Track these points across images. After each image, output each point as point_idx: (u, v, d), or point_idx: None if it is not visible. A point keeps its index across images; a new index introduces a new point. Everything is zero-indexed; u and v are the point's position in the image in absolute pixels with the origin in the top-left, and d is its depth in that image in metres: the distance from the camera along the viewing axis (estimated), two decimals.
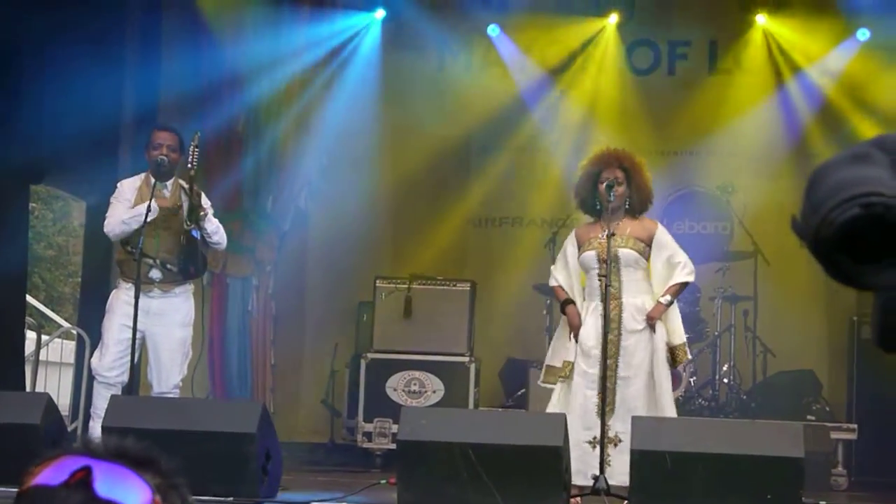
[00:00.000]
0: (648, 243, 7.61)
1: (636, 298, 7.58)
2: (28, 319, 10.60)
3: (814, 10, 11.40)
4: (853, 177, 1.87)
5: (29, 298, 12.39)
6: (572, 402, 7.45)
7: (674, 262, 7.62)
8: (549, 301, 10.79)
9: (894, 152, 1.94)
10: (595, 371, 7.41)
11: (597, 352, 7.41)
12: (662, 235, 7.69)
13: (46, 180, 10.58)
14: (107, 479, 1.59)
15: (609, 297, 7.41)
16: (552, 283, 7.79)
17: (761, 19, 11.67)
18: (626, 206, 7.62)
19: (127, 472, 1.62)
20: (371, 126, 11.61)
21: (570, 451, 6.88)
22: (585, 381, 7.44)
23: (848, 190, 1.84)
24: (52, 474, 1.60)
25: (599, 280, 7.49)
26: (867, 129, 10.87)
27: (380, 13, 11.83)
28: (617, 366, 7.47)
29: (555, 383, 7.58)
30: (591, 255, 7.58)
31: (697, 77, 11.98)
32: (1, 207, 9.13)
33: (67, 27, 9.27)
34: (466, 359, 10.28)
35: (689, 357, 8.06)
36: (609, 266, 7.44)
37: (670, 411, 7.47)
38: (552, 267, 7.89)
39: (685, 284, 7.69)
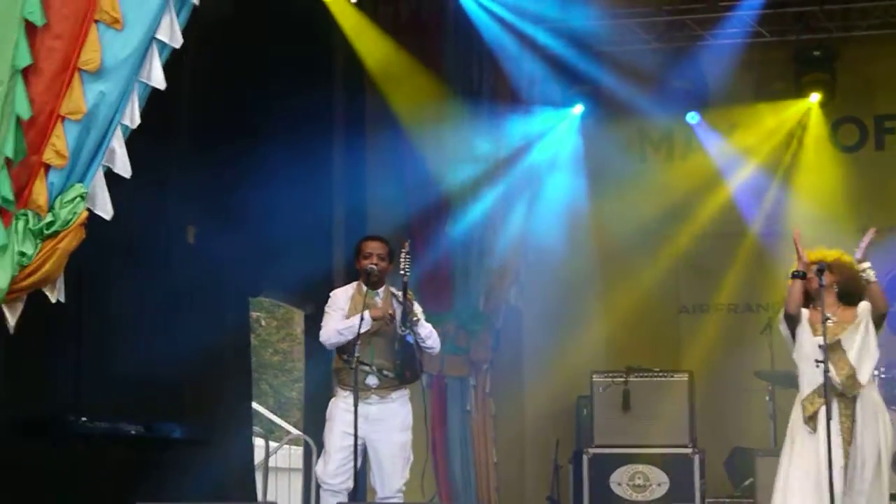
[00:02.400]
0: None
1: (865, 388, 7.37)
2: (256, 428, 10.86)
3: None
4: None
5: (257, 406, 12.72)
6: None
7: None
8: (770, 387, 10.62)
9: None
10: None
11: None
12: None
13: (264, 293, 10.89)
14: None
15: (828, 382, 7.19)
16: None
17: None
18: (836, 291, 7.43)
19: None
20: (576, 220, 11.65)
21: None
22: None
23: None
24: None
25: (817, 365, 7.27)
26: None
27: (578, 108, 11.92)
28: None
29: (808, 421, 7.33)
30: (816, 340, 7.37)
31: None
32: (224, 320, 9.42)
33: (280, 148, 9.59)
34: (690, 450, 10.16)
35: None
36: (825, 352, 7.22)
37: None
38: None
39: (881, 297, 7.37)
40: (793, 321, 7.48)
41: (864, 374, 7.32)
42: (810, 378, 7.32)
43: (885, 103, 11.87)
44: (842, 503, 7.11)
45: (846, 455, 7.21)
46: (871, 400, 7.38)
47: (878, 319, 7.40)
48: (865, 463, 7.22)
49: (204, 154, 9.06)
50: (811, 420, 7.28)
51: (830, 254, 7.55)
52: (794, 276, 7.41)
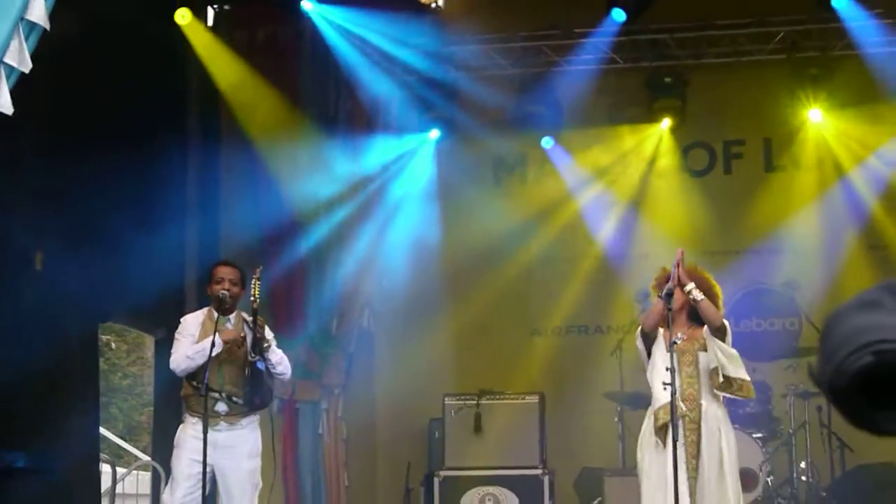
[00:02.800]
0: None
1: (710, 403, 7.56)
2: (103, 454, 10.69)
3: (868, 102, 11.40)
4: (865, 324, 1.89)
5: (105, 431, 12.51)
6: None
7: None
8: (619, 408, 10.76)
9: None
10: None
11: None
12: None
13: (114, 318, 10.74)
14: None
15: (675, 404, 7.36)
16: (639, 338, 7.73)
17: (815, 115, 11.69)
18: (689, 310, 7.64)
19: None
20: (429, 243, 11.70)
21: None
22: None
23: (860, 337, 1.86)
24: None
25: (664, 388, 7.44)
26: None
27: (434, 133, 11.98)
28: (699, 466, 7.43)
29: (658, 433, 7.46)
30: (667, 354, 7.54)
31: (754, 175, 12.00)
32: (70, 347, 9.26)
33: (132, 171, 9.47)
34: (540, 471, 10.23)
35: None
36: (673, 375, 7.40)
37: None
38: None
39: (715, 311, 7.52)
40: (649, 339, 7.64)
41: (743, 374, 7.52)
42: (664, 393, 7.48)
43: (732, 129, 12.14)
44: None
45: (695, 469, 7.39)
46: (714, 416, 7.56)
47: (717, 335, 7.57)
48: (709, 478, 7.41)
49: (53, 179, 8.92)
50: (661, 430, 7.44)
51: (687, 266, 7.74)
52: (661, 296, 7.54)
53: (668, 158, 12.10)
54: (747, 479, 9.89)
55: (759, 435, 10.54)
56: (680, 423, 7.39)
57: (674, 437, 7.32)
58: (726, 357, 7.54)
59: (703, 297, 7.52)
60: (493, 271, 11.74)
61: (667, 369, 7.42)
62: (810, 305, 11.12)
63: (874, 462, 10.61)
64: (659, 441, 7.45)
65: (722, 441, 7.52)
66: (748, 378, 7.59)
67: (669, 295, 7.48)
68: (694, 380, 7.51)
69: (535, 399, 10.59)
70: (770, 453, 10.55)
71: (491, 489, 10.21)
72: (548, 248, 12.01)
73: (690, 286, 7.52)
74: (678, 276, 7.52)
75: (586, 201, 12.02)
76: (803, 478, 10.60)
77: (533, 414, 10.52)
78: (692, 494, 7.35)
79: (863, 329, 1.88)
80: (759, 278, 11.73)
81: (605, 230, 12.00)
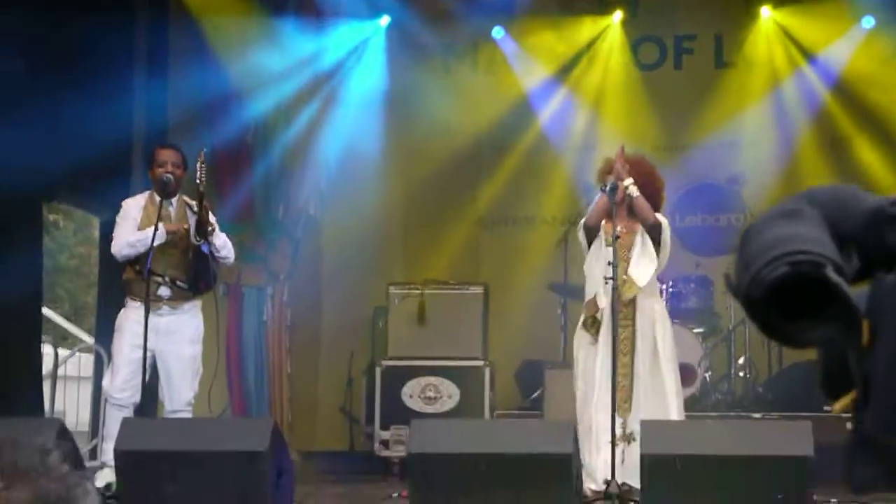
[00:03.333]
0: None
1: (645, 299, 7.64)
2: (46, 336, 10.67)
3: (819, 1, 11.38)
4: (782, 234, 1.90)
5: (49, 312, 12.48)
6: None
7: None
8: (563, 300, 10.82)
9: (825, 207, 1.96)
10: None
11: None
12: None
13: (59, 198, 10.66)
14: None
15: (617, 296, 7.43)
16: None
17: (766, 12, 11.67)
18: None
19: None
20: (379, 131, 11.65)
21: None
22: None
23: (777, 248, 1.87)
24: None
25: (606, 282, 7.50)
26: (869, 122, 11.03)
27: (384, 20, 11.87)
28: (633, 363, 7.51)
29: (587, 325, 7.54)
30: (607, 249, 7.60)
31: (704, 71, 11.98)
32: (13, 225, 9.19)
33: (77, 48, 9.33)
34: (481, 363, 10.29)
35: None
36: (615, 269, 7.45)
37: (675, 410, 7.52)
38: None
39: (649, 210, 7.63)
40: (591, 233, 7.69)
41: (642, 276, 7.57)
42: (594, 286, 7.55)
43: (684, 23, 12.07)
44: (627, 410, 7.39)
45: (628, 365, 7.47)
46: (649, 309, 7.64)
47: (651, 232, 7.62)
48: (643, 373, 7.52)
49: None
50: (590, 325, 7.52)
51: (631, 157, 7.77)
52: (605, 190, 7.57)
53: (618, 52, 12.03)
54: (686, 374, 10.00)
55: (700, 330, 10.65)
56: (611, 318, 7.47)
57: (613, 332, 7.40)
58: (637, 255, 7.60)
59: (638, 193, 7.56)
60: (441, 160, 11.67)
61: (608, 263, 7.49)
62: (756, 201, 11.15)
63: (810, 360, 10.73)
64: (591, 336, 7.53)
65: (657, 336, 7.59)
66: (639, 280, 7.60)
67: (613, 189, 7.52)
68: (623, 268, 7.55)
69: (479, 290, 10.60)
70: (709, 349, 10.68)
71: (432, 379, 10.26)
72: (495, 138, 11.95)
73: (628, 182, 7.57)
74: (618, 171, 7.56)
75: (535, 92, 11.97)
76: (741, 374, 10.75)
77: (477, 305, 10.53)
78: (623, 390, 7.43)
79: (780, 240, 1.88)
80: (705, 174, 11.77)
81: (553, 122, 11.96)
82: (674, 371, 7.66)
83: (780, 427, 7.21)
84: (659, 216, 7.73)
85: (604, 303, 7.54)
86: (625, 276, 7.55)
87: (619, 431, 7.32)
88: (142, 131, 10.59)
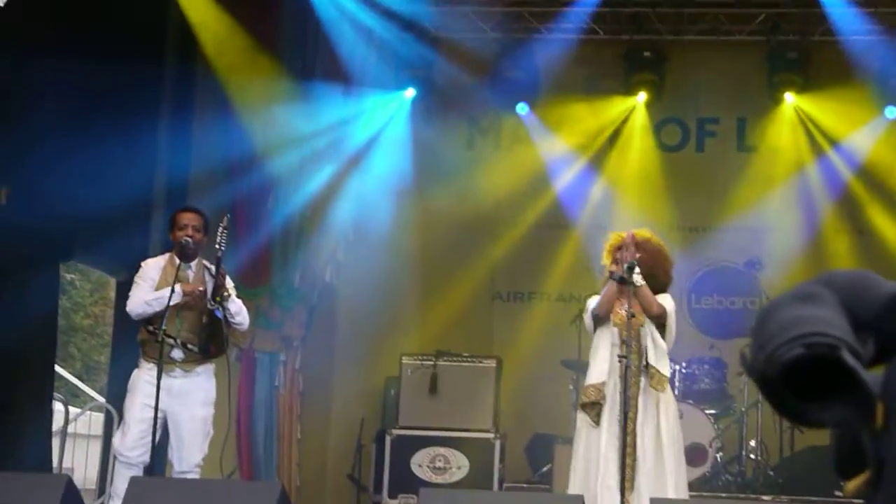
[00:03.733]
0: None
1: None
2: (56, 394, 10.66)
3: (844, 87, 11.43)
4: (799, 316, 1.91)
5: (61, 370, 12.47)
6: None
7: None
8: (575, 376, 10.80)
9: (842, 291, 1.97)
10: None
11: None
12: (660, 297, 7.62)
13: (76, 257, 10.69)
14: None
15: (629, 377, 7.37)
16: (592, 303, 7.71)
17: (789, 98, 11.73)
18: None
19: None
20: (397, 201, 11.68)
21: None
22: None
23: (793, 329, 1.88)
24: None
25: (620, 360, 7.45)
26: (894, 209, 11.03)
27: (410, 92, 11.95)
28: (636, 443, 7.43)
29: (588, 409, 7.48)
30: (613, 330, 7.56)
31: (726, 154, 12.04)
32: (30, 283, 9.20)
33: (102, 104, 9.40)
34: (492, 435, 10.28)
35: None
36: (629, 347, 7.41)
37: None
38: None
39: (655, 301, 7.50)
40: (600, 320, 7.65)
41: (663, 368, 7.53)
42: (599, 370, 7.50)
43: (707, 106, 12.16)
44: (630, 490, 7.31)
45: (632, 445, 7.37)
46: (653, 392, 7.55)
47: (655, 322, 7.57)
48: (646, 454, 7.38)
49: (21, 116, 8.84)
50: (590, 408, 7.45)
51: (641, 233, 7.73)
52: (615, 278, 7.50)
53: (641, 133, 12.11)
54: (696, 454, 9.98)
55: (713, 411, 10.62)
56: (618, 399, 7.42)
57: (624, 411, 7.32)
58: (653, 345, 7.55)
59: (643, 283, 7.47)
60: (458, 233, 11.73)
61: (618, 343, 7.46)
62: (772, 286, 11.15)
63: (823, 444, 10.66)
64: (592, 420, 7.47)
65: (661, 417, 7.50)
66: (667, 373, 7.55)
67: (631, 268, 7.47)
68: (635, 355, 7.49)
69: (492, 363, 10.63)
70: (721, 430, 10.64)
71: (442, 450, 10.25)
72: (516, 214, 12.03)
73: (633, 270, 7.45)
74: (625, 258, 7.49)
75: (560, 172, 12.02)
76: (752, 455, 10.70)
77: (489, 377, 10.55)
78: (627, 469, 7.35)
79: (796, 321, 1.90)
80: (723, 256, 11.81)
81: (572, 198, 12.00)
82: (677, 452, 7.57)
83: None
84: (664, 301, 7.65)
85: (609, 387, 7.48)
86: (652, 368, 7.47)
87: None
88: (162, 187, 10.64)
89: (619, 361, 7.44)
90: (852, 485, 2.04)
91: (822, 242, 11.40)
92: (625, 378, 7.35)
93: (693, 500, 7.69)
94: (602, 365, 7.55)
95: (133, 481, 6.82)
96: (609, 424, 7.43)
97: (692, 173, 12.02)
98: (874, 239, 11.45)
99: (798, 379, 1.87)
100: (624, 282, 7.41)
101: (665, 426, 7.49)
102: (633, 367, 7.46)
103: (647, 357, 7.50)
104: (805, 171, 11.78)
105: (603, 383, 7.50)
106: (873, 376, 1.89)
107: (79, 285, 21.05)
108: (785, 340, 1.87)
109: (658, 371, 7.49)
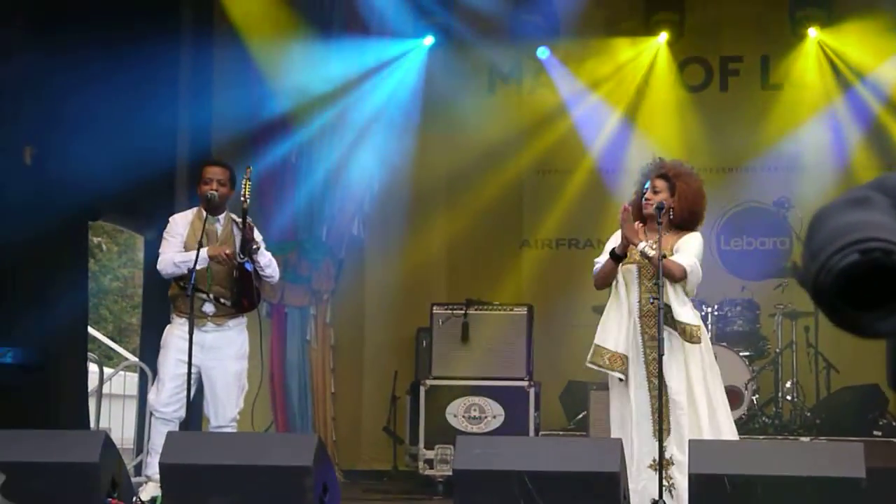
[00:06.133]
0: None
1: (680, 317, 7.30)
2: (91, 354, 10.70)
3: (867, 19, 11.29)
4: (852, 222, 1.86)
5: (94, 332, 12.51)
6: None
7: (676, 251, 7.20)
8: None
9: (895, 194, 1.92)
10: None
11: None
12: (689, 239, 7.26)
13: (104, 217, 10.69)
14: None
15: (661, 318, 7.10)
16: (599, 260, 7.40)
17: (813, 32, 11.60)
18: (670, 218, 7.24)
19: None
20: (422, 152, 11.61)
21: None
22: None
23: (846, 236, 1.83)
24: None
25: (652, 302, 7.20)
26: None
27: (428, 39, 11.87)
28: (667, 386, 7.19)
29: (603, 367, 7.27)
30: (631, 267, 7.29)
31: (750, 92, 11.92)
32: (60, 245, 9.22)
33: (122, 65, 9.36)
34: (526, 383, 10.25)
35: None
36: (661, 289, 7.16)
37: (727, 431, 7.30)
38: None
39: (677, 267, 7.07)
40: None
41: (687, 317, 7.25)
42: (607, 332, 7.27)
43: (730, 45, 12.03)
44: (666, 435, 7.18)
45: (657, 388, 7.10)
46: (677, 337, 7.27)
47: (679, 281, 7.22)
48: (679, 400, 7.11)
49: (43, 75, 8.82)
50: (621, 366, 7.23)
51: (681, 169, 7.37)
52: (613, 256, 7.23)
53: (664, 73, 12.00)
54: (732, 396, 9.89)
55: (746, 353, 10.57)
56: (642, 344, 7.23)
57: (659, 351, 7.05)
58: (674, 293, 7.13)
59: (654, 254, 7.03)
60: (485, 181, 11.67)
61: (651, 284, 7.19)
62: (802, 225, 11.05)
63: (859, 384, 10.61)
64: (619, 374, 7.24)
65: (689, 359, 7.17)
66: (695, 322, 7.18)
67: (660, 209, 7.23)
68: (655, 293, 7.05)
69: (523, 311, 10.58)
70: (756, 372, 10.59)
71: (476, 399, 10.23)
72: (541, 159, 11.97)
73: (642, 245, 7.10)
74: (627, 237, 7.10)
75: (581, 113, 11.93)
76: (788, 397, 10.66)
77: (521, 325, 10.51)
78: (662, 420, 7.12)
79: (849, 227, 1.84)
80: (751, 196, 11.71)
81: (599, 143, 11.92)
82: (707, 392, 7.31)
83: (831, 448, 7.10)
84: (692, 242, 7.24)
85: (631, 351, 7.24)
86: (680, 325, 7.18)
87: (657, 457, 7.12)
88: (185, 151, 10.60)
89: (651, 303, 7.22)
90: None
91: (852, 179, 11.24)
92: (658, 319, 7.08)
93: (736, 440, 7.60)
94: (612, 327, 7.27)
95: (170, 436, 6.82)
96: (635, 377, 7.25)
97: (717, 113, 11.90)
98: None
99: (853, 286, 1.82)
100: (661, 210, 7.13)
101: (697, 371, 7.22)
102: (652, 307, 7.19)
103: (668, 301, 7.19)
104: (832, 107, 11.65)
105: (623, 356, 7.26)
106: None
107: (105, 248, 21.08)
108: (838, 248, 1.82)
109: (688, 324, 7.18)
